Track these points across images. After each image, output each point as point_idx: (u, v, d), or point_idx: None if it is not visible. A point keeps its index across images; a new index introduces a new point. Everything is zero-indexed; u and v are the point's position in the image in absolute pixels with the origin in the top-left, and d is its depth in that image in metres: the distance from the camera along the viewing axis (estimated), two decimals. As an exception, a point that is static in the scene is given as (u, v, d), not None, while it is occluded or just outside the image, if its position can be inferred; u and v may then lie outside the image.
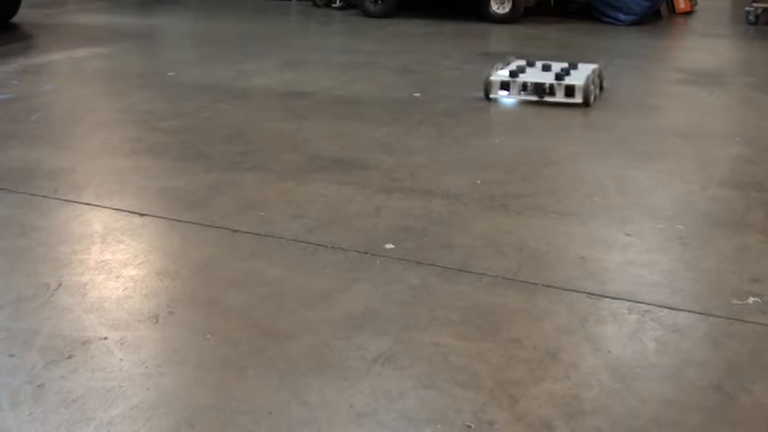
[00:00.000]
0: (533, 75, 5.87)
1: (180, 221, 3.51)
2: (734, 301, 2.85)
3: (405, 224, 3.50)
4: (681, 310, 2.79)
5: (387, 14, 10.08)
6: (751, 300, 2.86)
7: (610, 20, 9.79)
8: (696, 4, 11.32)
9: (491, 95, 5.71)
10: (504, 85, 5.74)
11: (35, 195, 3.81)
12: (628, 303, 2.81)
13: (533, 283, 2.96)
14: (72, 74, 6.73)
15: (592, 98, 5.59)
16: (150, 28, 9.43)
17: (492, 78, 5.75)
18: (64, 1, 11.38)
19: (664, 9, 10.52)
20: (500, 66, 6.07)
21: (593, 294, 2.87)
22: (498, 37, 9.12)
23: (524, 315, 2.74)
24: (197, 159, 4.37)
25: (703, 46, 8.70)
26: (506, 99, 5.67)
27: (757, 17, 9.82)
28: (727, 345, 2.59)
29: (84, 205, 3.70)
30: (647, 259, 3.18)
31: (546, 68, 5.96)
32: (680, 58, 8.38)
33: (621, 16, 9.73)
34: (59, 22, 9.41)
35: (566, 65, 6.02)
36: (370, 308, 2.77)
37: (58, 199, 3.77)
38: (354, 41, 8.53)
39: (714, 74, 6.91)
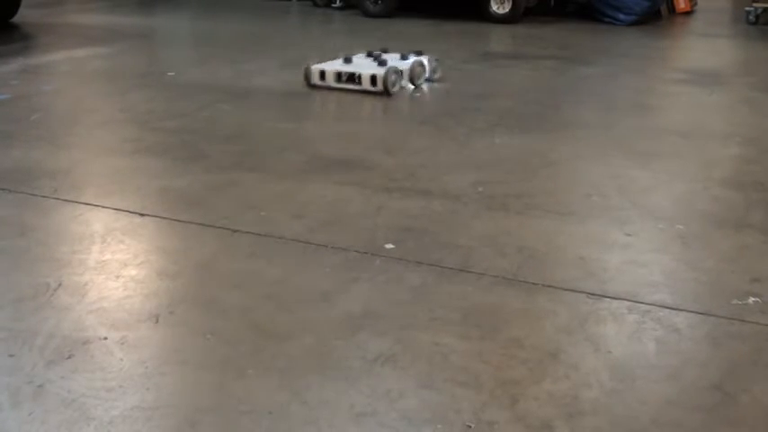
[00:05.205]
0: (359, 65, 6.19)
1: (180, 221, 3.51)
2: (734, 301, 2.85)
3: (405, 224, 3.50)
4: (681, 310, 2.79)
5: (387, 14, 10.08)
6: (751, 300, 2.86)
7: (610, 20, 9.79)
8: (696, 4, 11.32)
9: (312, 83, 6.11)
10: (322, 74, 6.11)
11: (35, 195, 3.81)
12: (628, 303, 2.82)
13: (533, 283, 2.96)
14: (72, 74, 6.72)
15: (394, 88, 5.88)
16: (150, 28, 9.43)
17: (312, 67, 6.15)
18: (64, 1, 11.38)
19: (664, 9, 10.53)
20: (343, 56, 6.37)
21: (593, 294, 2.87)
22: (498, 37, 9.13)
23: (524, 315, 2.74)
24: (197, 159, 4.37)
25: (703, 46, 8.70)
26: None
27: (757, 17, 9.83)
28: (727, 345, 2.59)
29: (84, 205, 3.70)
30: (647, 259, 3.18)
31: (378, 59, 6.27)
32: (680, 58, 8.39)
33: (621, 16, 9.73)
34: (59, 22, 9.41)
35: (399, 55, 6.51)
36: (370, 308, 2.77)
37: (58, 199, 3.77)
38: (354, 41, 8.52)
39: (714, 74, 6.91)
